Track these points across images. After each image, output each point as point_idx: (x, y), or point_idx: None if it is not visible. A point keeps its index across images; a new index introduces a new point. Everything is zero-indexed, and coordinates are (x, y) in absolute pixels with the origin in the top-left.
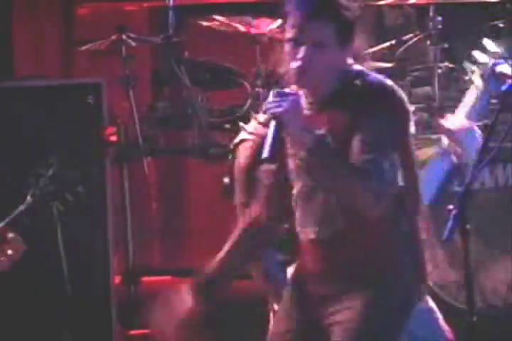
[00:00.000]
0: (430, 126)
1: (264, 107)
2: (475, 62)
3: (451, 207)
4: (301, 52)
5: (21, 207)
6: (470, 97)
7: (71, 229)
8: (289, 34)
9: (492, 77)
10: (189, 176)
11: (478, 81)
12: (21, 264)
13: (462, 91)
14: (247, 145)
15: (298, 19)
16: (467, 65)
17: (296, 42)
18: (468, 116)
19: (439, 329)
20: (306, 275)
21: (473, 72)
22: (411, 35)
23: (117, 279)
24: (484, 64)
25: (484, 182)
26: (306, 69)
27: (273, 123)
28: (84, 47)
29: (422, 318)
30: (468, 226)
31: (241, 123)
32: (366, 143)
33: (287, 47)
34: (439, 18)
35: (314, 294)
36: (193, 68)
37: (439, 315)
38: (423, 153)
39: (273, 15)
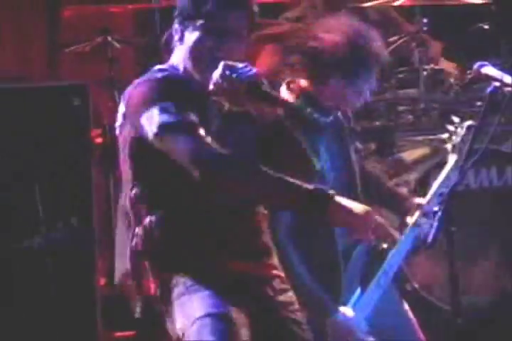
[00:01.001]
0: (416, 129)
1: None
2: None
3: (436, 208)
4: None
5: None
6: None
7: (56, 230)
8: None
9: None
10: None
11: (452, 156)
12: (5, 265)
13: (447, 94)
14: None
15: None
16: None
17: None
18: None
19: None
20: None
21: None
22: (396, 37)
23: (102, 281)
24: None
25: (469, 183)
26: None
27: None
28: (69, 49)
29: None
30: (453, 228)
31: None
32: None
33: (206, 39)
34: (425, 20)
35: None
36: None
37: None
38: (409, 155)
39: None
